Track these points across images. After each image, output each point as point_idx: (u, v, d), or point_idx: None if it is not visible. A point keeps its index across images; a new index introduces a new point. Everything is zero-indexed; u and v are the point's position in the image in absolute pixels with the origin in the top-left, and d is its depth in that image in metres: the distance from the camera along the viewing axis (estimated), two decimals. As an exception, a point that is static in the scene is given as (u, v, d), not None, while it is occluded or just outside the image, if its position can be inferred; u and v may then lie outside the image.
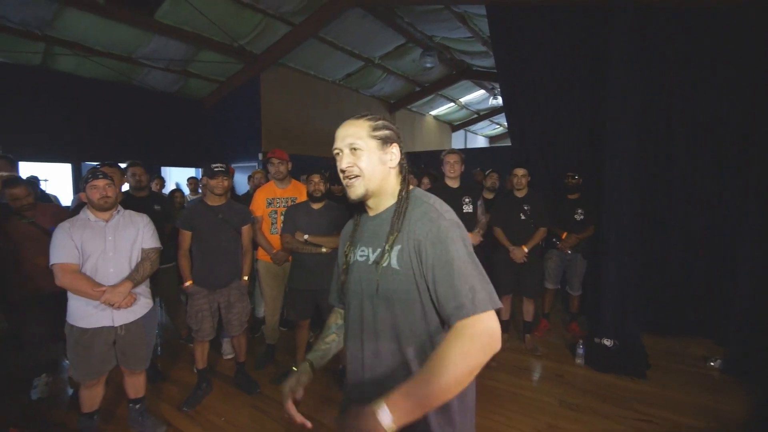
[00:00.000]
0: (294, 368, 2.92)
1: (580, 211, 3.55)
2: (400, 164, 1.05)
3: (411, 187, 1.07)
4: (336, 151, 1.03)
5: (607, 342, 3.21)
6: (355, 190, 1.00)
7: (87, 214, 2.07)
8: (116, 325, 2.08)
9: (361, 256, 1.05)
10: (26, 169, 4.87)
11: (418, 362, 0.96)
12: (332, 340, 1.24)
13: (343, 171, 1.01)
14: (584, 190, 3.64)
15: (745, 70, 3.13)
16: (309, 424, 1.04)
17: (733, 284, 3.07)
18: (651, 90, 3.49)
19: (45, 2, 4.21)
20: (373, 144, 1.00)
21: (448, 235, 0.91)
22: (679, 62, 3.39)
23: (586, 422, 2.46)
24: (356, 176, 1.00)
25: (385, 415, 0.78)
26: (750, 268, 2.95)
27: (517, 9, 4.08)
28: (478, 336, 0.83)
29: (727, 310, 3.13)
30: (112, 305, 1.98)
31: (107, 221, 2.09)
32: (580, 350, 3.21)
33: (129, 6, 4.55)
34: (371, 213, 1.08)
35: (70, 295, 2.02)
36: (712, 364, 3.10)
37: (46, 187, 4.54)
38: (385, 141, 1.01)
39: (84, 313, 2.01)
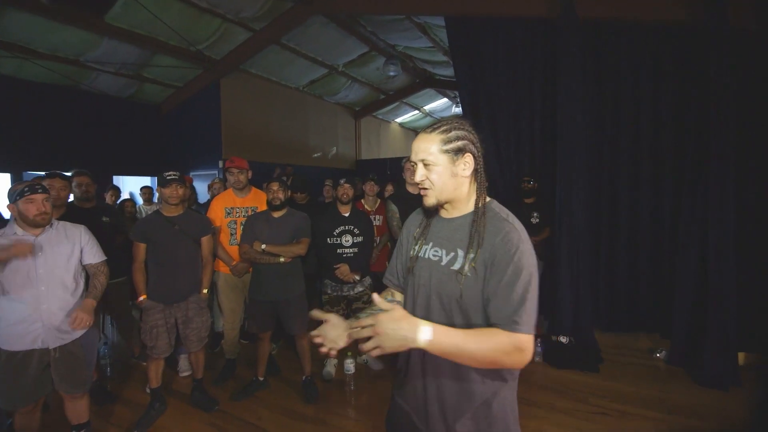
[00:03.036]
0: (260, 378, 2.86)
1: (535, 214, 3.70)
2: (476, 171, 1.08)
3: (487, 199, 1.10)
4: (411, 164, 1.09)
5: (564, 339, 3.36)
6: (428, 201, 1.09)
7: (14, 229, 1.90)
8: (50, 347, 1.92)
9: (434, 255, 1.11)
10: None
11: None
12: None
13: (417, 183, 1.09)
14: (539, 194, 3.80)
15: (683, 81, 3.40)
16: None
17: (675, 282, 3.29)
18: (600, 100, 3.72)
19: (-21, 1, 3.93)
20: (444, 159, 1.04)
21: (522, 261, 0.97)
22: (624, 73, 3.63)
23: (543, 417, 2.54)
24: (428, 189, 1.07)
25: (426, 333, 0.87)
26: (688, 267, 3.19)
27: (473, 21, 4.22)
28: (519, 351, 0.93)
29: (670, 306, 3.35)
30: (87, 326, 1.94)
31: (37, 236, 1.92)
32: (539, 348, 3.32)
33: (76, 7, 4.32)
34: (445, 215, 1.14)
35: None
36: (657, 355, 3.31)
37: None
38: (458, 152, 1.04)
39: (12, 335, 1.85)
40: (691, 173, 3.27)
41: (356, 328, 0.95)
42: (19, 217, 1.89)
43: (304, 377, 2.87)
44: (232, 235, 3.00)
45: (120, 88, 6.11)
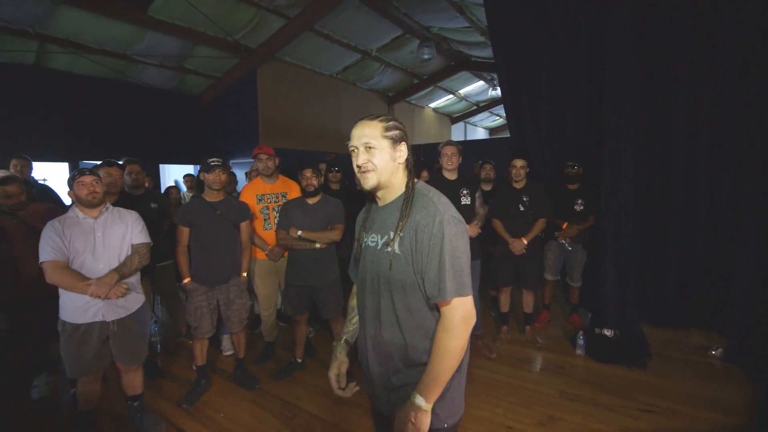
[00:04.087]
0: (298, 359, 2.95)
1: (580, 201, 3.51)
2: (407, 160, 1.19)
3: (415, 180, 1.20)
4: (352, 149, 1.17)
5: (608, 332, 3.20)
6: (369, 182, 1.15)
7: (75, 212, 2.08)
8: (108, 320, 2.08)
9: (371, 242, 1.22)
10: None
11: (410, 334, 1.16)
12: (358, 320, 1.40)
13: (359, 166, 1.15)
14: (584, 180, 3.60)
15: (745, 58, 3.05)
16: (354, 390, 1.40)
17: (734, 274, 3.03)
18: (650, 79, 3.41)
19: (37, 0, 4.17)
20: (386, 143, 1.14)
21: (443, 231, 1.06)
22: (679, 49, 3.31)
23: (586, 413, 2.45)
24: (370, 171, 1.14)
25: (421, 401, 1.08)
26: (750, 258, 2.92)
27: (513, -3, 4.00)
28: (458, 323, 1.08)
29: (728, 300, 3.09)
30: (99, 297, 1.96)
31: (96, 218, 2.09)
32: (581, 341, 3.19)
33: (122, 2, 4.51)
34: (381, 204, 1.23)
35: (61, 291, 2.03)
36: (713, 353, 3.08)
37: (45, 180, 4.50)
38: (396, 140, 1.15)
39: (75, 309, 2.02)
40: (756, 157, 2.95)
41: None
42: (76, 199, 2.07)
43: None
44: (265, 220, 3.07)
45: (164, 81, 6.38)
